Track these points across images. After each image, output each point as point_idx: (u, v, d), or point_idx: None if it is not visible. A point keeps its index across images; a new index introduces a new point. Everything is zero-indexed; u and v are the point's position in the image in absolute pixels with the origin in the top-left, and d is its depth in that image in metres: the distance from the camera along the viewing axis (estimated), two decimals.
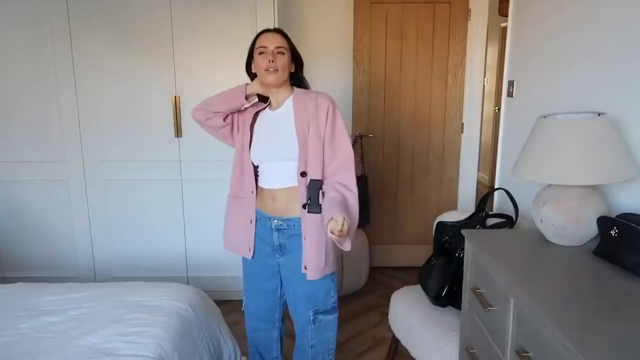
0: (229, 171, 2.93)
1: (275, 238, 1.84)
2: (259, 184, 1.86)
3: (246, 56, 1.89)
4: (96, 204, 3.06)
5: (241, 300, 2.03)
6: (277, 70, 1.72)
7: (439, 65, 3.43)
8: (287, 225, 1.80)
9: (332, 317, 1.89)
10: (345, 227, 1.53)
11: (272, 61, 1.71)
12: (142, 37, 2.86)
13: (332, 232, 1.53)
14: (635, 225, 1.34)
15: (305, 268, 1.79)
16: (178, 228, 3.08)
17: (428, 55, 3.41)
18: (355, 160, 3.01)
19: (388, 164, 3.58)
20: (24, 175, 3.03)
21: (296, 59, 1.83)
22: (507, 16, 2.54)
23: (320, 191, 1.72)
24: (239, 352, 2.25)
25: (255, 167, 1.85)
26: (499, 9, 4.96)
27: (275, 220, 1.81)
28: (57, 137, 2.98)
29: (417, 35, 3.38)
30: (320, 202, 1.70)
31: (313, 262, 1.76)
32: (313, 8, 3.40)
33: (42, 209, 3.08)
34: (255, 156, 1.82)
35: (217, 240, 3.08)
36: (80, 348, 1.63)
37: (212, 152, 2.97)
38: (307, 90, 1.86)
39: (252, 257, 1.90)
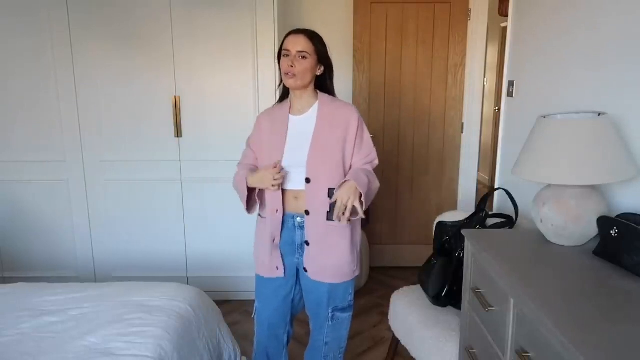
0: (229, 171, 2.94)
1: (298, 236, 1.82)
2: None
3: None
4: (96, 204, 3.06)
5: (254, 307, 1.98)
6: (296, 75, 1.71)
7: (439, 65, 3.43)
8: None
9: (348, 315, 1.91)
10: (349, 204, 1.63)
11: (292, 66, 1.71)
12: (142, 37, 2.86)
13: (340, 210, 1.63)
14: (635, 225, 1.34)
15: (305, 271, 1.82)
16: (178, 228, 3.08)
17: (428, 55, 3.41)
18: None
19: (388, 163, 3.58)
20: (24, 175, 3.03)
21: (323, 62, 1.79)
22: (507, 16, 2.55)
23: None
24: (239, 352, 2.25)
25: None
26: (499, 9, 4.96)
27: (299, 218, 1.80)
28: (57, 137, 2.98)
29: (417, 35, 3.38)
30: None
31: (344, 268, 1.81)
32: (313, 8, 3.40)
33: (42, 209, 3.08)
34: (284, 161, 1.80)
35: (217, 240, 3.09)
36: (81, 348, 1.64)
37: (212, 152, 2.97)
38: (333, 97, 1.84)
39: (285, 275, 1.86)
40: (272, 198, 1.80)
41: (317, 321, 1.92)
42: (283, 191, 1.80)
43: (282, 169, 1.76)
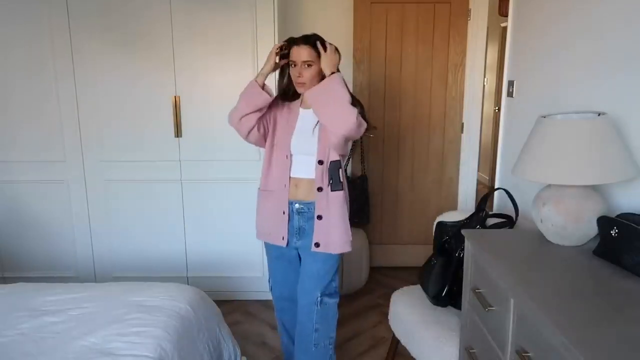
0: (229, 171, 2.96)
1: (295, 221, 2.01)
2: None
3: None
4: (96, 204, 3.06)
5: (269, 282, 2.22)
6: (305, 83, 1.92)
7: (439, 65, 3.43)
8: (308, 209, 1.99)
9: (334, 301, 2.05)
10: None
11: (300, 75, 1.92)
12: (142, 37, 2.86)
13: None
14: (635, 225, 1.34)
15: (317, 246, 1.96)
16: (178, 228, 3.08)
17: (428, 55, 3.41)
18: (356, 160, 3.05)
19: (388, 163, 3.58)
20: (24, 175, 3.03)
21: None
22: (507, 16, 2.54)
23: (340, 170, 1.96)
24: (239, 352, 2.26)
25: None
26: (499, 9, 4.95)
27: (297, 204, 2.00)
28: (57, 137, 2.98)
29: (417, 35, 3.38)
30: (341, 180, 1.96)
31: (338, 237, 1.97)
32: (313, 8, 3.39)
33: (42, 209, 3.08)
34: (291, 147, 2.01)
35: (217, 240, 3.09)
36: (81, 348, 1.64)
37: (212, 152, 2.97)
38: None
39: (287, 246, 2.03)
40: (282, 174, 2.00)
41: (305, 304, 2.02)
42: None
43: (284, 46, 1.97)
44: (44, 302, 1.97)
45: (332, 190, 1.95)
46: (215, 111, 2.93)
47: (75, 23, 2.84)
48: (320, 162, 1.95)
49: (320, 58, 1.90)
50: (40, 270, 3.11)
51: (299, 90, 1.96)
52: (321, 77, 1.93)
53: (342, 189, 1.97)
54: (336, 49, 1.92)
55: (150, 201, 3.04)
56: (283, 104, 2.07)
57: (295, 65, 1.93)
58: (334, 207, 1.96)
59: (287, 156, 1.99)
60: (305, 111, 2.01)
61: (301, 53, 1.91)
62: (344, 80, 1.88)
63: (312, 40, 1.91)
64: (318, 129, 1.96)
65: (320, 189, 1.96)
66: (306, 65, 1.90)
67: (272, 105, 2.05)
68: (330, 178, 1.95)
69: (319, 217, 1.97)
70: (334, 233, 1.97)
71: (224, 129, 2.97)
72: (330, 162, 1.95)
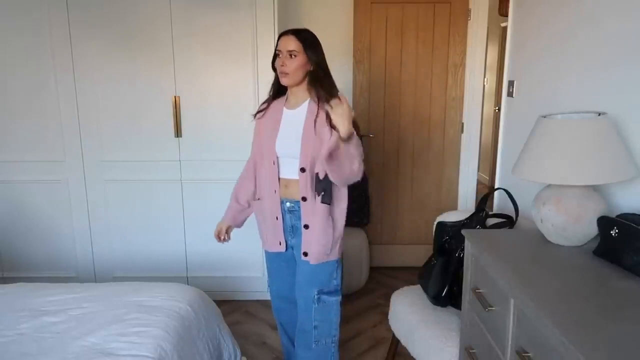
0: (229, 171, 2.96)
1: (287, 220, 1.97)
2: None
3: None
4: (96, 204, 3.06)
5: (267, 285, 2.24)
6: (288, 74, 1.85)
7: (439, 65, 3.43)
8: (298, 207, 1.93)
9: (335, 299, 1.99)
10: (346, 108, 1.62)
11: (283, 65, 1.84)
12: (142, 37, 2.86)
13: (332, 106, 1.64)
14: (635, 225, 1.34)
15: (305, 255, 1.92)
16: (178, 228, 3.08)
17: (428, 55, 3.41)
18: None
19: (388, 163, 3.58)
20: (24, 175, 3.03)
21: (313, 58, 1.85)
22: (507, 16, 2.54)
23: (332, 184, 1.86)
24: (239, 352, 2.25)
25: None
26: (499, 9, 4.95)
27: (288, 203, 1.95)
28: (57, 137, 2.98)
29: (417, 35, 3.38)
30: (332, 196, 1.88)
31: (315, 248, 1.90)
32: (313, 8, 3.39)
33: (42, 209, 3.08)
34: (276, 150, 1.96)
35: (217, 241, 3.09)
36: (81, 348, 1.64)
37: (212, 152, 2.97)
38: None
39: (286, 250, 2.01)
40: (270, 181, 1.95)
41: (302, 303, 1.99)
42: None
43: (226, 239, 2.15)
44: (44, 302, 1.97)
45: (321, 202, 1.85)
46: (215, 111, 2.93)
47: (75, 26, 2.84)
48: (303, 170, 1.86)
49: (305, 49, 1.82)
50: (40, 270, 3.11)
51: (282, 80, 1.87)
52: (306, 70, 1.85)
53: (330, 204, 1.86)
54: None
55: (150, 201, 3.04)
56: (266, 112, 2.00)
57: (279, 55, 1.86)
58: (318, 216, 1.87)
59: (273, 162, 1.93)
60: (289, 111, 1.95)
61: (287, 43, 1.84)
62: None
63: (301, 31, 1.86)
64: (302, 135, 1.87)
65: (304, 199, 1.88)
66: (290, 56, 1.82)
67: (256, 135, 2.04)
68: (323, 190, 1.84)
69: (306, 227, 1.90)
70: (315, 243, 1.90)
71: (224, 129, 2.99)
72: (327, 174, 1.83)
